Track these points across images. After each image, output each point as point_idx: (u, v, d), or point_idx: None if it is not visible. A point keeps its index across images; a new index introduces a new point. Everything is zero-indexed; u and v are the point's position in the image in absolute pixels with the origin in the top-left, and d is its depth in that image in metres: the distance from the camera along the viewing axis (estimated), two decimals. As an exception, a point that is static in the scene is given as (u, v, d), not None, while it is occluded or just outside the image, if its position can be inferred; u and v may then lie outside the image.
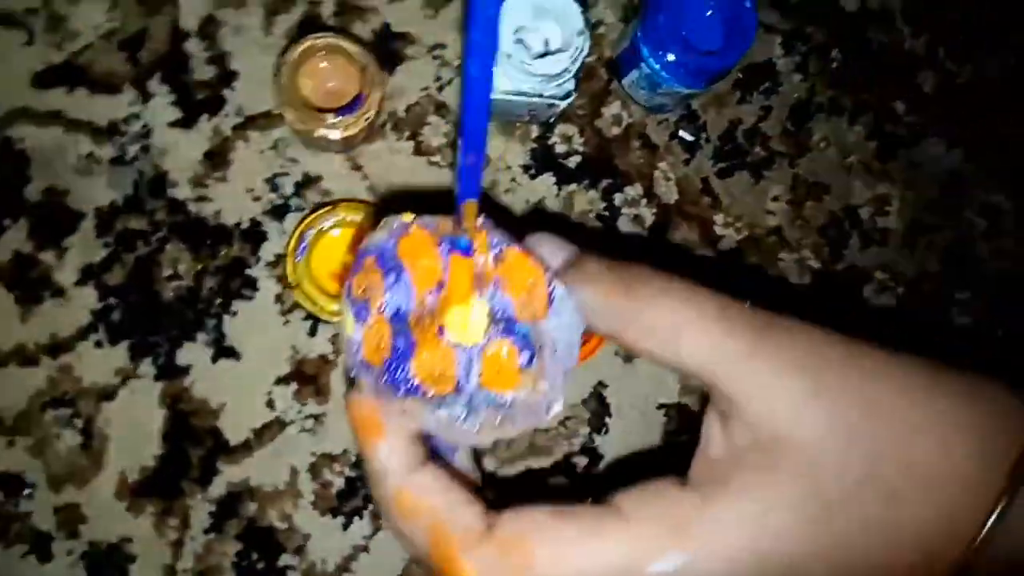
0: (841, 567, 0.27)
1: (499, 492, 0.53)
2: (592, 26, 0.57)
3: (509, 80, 0.49)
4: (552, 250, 0.32)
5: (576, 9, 0.49)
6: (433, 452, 0.33)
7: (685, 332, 0.28)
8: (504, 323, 0.30)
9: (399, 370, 0.30)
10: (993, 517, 0.26)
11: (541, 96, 0.50)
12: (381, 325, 0.30)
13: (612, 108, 0.57)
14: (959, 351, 0.60)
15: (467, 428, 0.30)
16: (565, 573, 0.27)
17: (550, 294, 0.31)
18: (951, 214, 0.61)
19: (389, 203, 0.55)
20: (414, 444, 0.31)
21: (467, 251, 0.30)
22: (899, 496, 0.27)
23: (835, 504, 0.26)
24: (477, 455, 0.36)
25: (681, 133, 0.58)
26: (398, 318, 0.30)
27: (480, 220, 0.31)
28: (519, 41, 0.48)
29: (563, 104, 0.51)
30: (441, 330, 0.30)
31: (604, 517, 0.28)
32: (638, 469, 0.56)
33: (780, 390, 0.27)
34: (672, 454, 0.58)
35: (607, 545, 0.27)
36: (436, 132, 0.56)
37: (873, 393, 0.27)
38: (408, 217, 0.31)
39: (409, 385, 0.30)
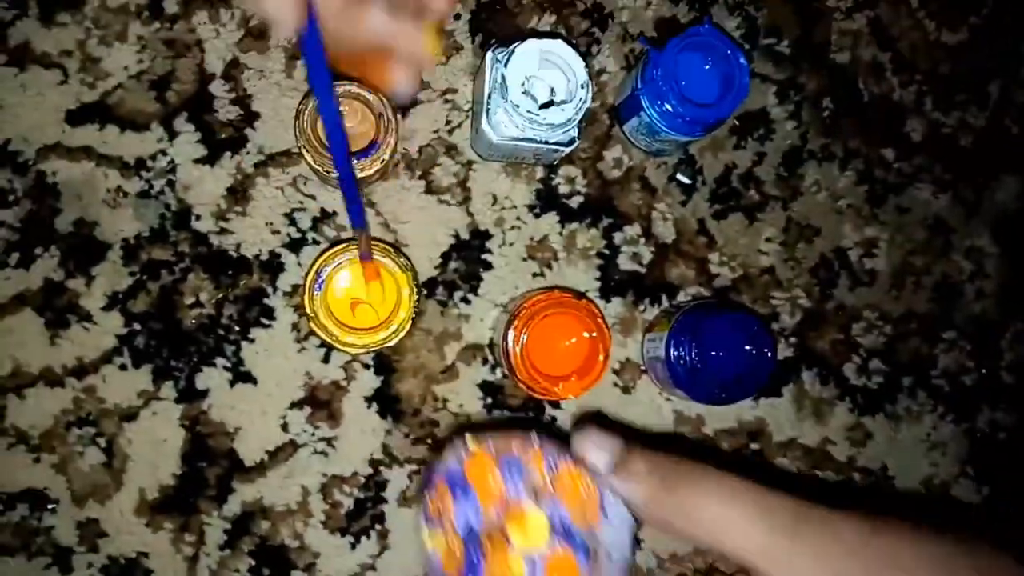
0: None
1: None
2: (596, 73, 0.60)
3: (516, 128, 0.52)
4: (597, 449, 0.36)
5: (580, 63, 0.52)
6: None
7: (729, 530, 0.33)
8: (563, 531, 0.34)
9: None
10: None
11: (546, 143, 0.53)
12: (454, 539, 0.35)
13: (614, 151, 0.60)
14: (942, 391, 0.63)
15: None
16: None
17: (601, 502, 0.35)
18: (938, 257, 0.64)
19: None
20: None
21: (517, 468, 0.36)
22: None
23: None
24: None
25: (679, 176, 0.61)
26: (470, 534, 0.35)
27: (536, 441, 0.36)
28: (526, 92, 0.51)
29: (567, 150, 0.54)
30: (508, 540, 0.34)
31: None
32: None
33: None
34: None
35: None
36: (447, 172, 0.59)
37: None
38: (471, 442, 0.36)
39: None
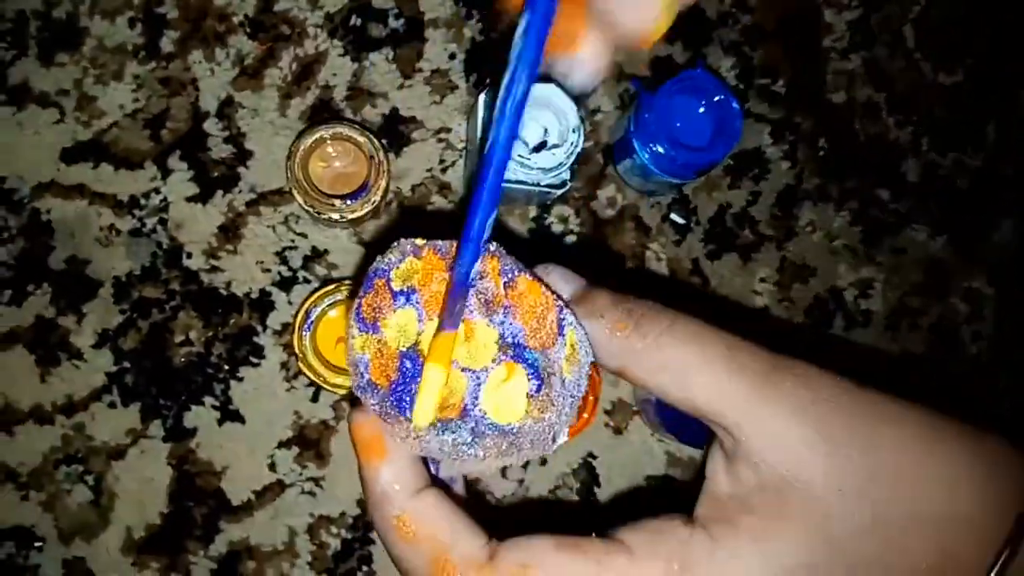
0: None
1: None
2: (590, 112, 0.60)
3: (509, 171, 0.52)
4: (561, 281, 0.32)
5: (572, 107, 0.52)
6: (433, 478, 0.32)
7: (693, 371, 0.28)
8: (513, 349, 0.30)
9: (406, 393, 0.29)
10: (1001, 561, 0.26)
11: (538, 185, 0.52)
12: (387, 345, 0.30)
13: (607, 191, 0.60)
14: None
15: (472, 454, 0.30)
16: None
17: (560, 323, 0.30)
18: (934, 298, 0.63)
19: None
20: (416, 467, 0.30)
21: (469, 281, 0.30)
22: (906, 539, 0.27)
23: (842, 546, 0.27)
24: (469, 485, 0.37)
25: (673, 216, 0.61)
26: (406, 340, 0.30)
27: (493, 246, 0.31)
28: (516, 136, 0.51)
29: (559, 192, 0.53)
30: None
31: (610, 552, 0.28)
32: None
33: (786, 434, 0.27)
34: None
35: None
36: (439, 211, 0.59)
37: (879, 438, 0.27)
38: (420, 241, 0.31)
39: None
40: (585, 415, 0.53)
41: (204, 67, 0.58)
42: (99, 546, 0.56)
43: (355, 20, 0.59)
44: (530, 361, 0.29)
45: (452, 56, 0.59)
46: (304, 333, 0.52)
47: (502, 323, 0.30)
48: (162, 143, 0.57)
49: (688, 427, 0.54)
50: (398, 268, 0.30)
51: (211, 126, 0.57)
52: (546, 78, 0.55)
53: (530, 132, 0.53)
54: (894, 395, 0.29)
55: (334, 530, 0.57)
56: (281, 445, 0.57)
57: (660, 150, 0.53)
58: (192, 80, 0.58)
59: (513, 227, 0.59)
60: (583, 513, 0.58)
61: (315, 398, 0.57)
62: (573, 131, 0.52)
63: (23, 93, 0.57)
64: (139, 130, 0.57)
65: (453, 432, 0.29)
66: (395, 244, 0.31)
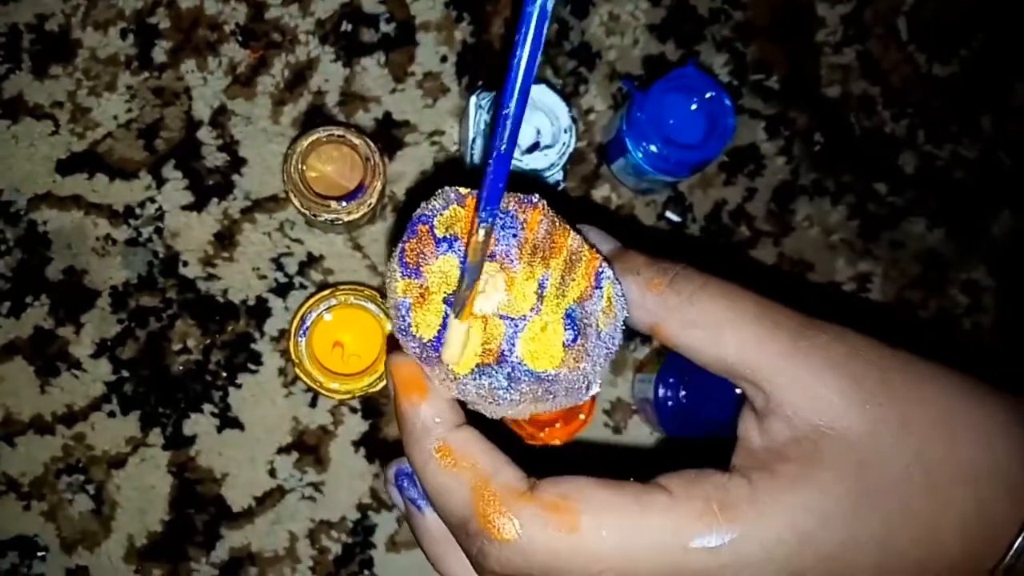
0: (883, 555, 0.27)
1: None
2: (583, 112, 0.60)
3: (499, 172, 0.52)
4: (599, 239, 0.33)
5: (563, 108, 0.52)
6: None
7: (726, 327, 0.29)
8: (551, 299, 0.30)
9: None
10: None
11: (530, 186, 0.53)
12: (431, 292, 0.30)
13: (602, 190, 0.60)
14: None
15: (507, 398, 0.30)
16: (609, 540, 0.27)
17: (598, 275, 0.31)
18: (933, 291, 0.63)
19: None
20: (455, 405, 0.31)
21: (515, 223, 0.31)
22: (941, 489, 0.27)
23: (878, 494, 0.27)
24: None
25: (668, 214, 0.61)
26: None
27: (535, 197, 0.32)
28: (508, 137, 0.51)
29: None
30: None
31: (651, 491, 0.28)
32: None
33: (820, 385, 0.27)
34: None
35: (652, 519, 0.27)
36: (433, 214, 0.59)
37: (915, 392, 0.28)
38: (464, 190, 0.32)
39: None
40: (582, 416, 0.53)
41: (197, 76, 0.58)
42: (101, 554, 0.56)
43: (346, 26, 0.59)
44: (567, 311, 0.30)
45: (444, 59, 0.59)
46: (300, 339, 0.52)
47: (542, 273, 0.30)
48: (156, 152, 0.57)
49: (686, 426, 0.53)
50: (441, 215, 0.31)
51: (205, 135, 0.58)
52: (537, 79, 0.55)
53: (522, 133, 0.53)
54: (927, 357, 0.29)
55: (335, 535, 0.57)
56: (280, 451, 0.57)
57: (654, 149, 0.53)
58: (185, 89, 0.58)
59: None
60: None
61: (313, 403, 0.57)
62: (565, 131, 0.52)
63: (17, 106, 0.57)
64: (133, 140, 0.57)
65: (489, 377, 0.30)
66: (439, 191, 0.32)
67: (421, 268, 0.30)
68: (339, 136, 0.53)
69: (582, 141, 0.60)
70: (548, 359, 0.30)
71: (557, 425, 0.52)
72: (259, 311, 0.57)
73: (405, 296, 0.30)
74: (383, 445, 0.57)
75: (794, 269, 0.62)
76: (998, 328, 0.64)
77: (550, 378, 0.30)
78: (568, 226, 0.31)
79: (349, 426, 0.57)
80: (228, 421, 0.57)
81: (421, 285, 0.30)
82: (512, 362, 0.30)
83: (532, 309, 0.30)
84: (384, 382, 0.53)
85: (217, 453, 0.57)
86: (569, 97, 0.59)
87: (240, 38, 0.58)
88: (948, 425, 0.27)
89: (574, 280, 0.31)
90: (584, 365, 0.30)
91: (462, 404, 0.31)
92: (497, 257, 0.30)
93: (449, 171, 0.59)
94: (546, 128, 0.53)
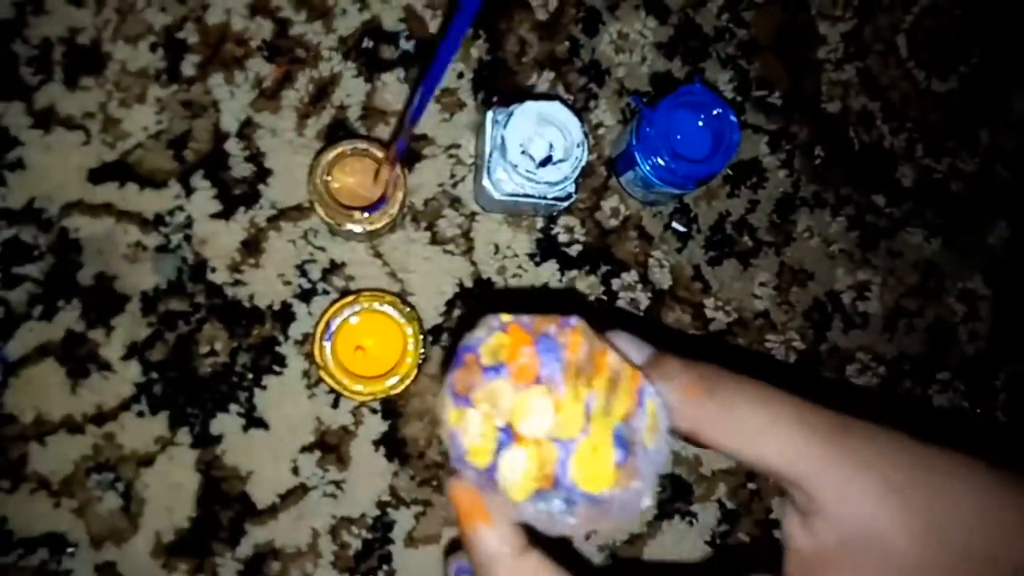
0: None
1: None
2: (593, 127, 0.63)
3: (515, 185, 0.54)
4: (630, 347, 0.34)
5: (576, 123, 0.54)
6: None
7: (766, 434, 0.30)
8: (598, 419, 0.31)
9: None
10: None
11: (544, 198, 0.55)
12: (482, 421, 0.31)
13: (611, 202, 0.63)
14: (938, 430, 0.64)
15: (565, 521, 0.31)
16: None
17: (640, 392, 0.32)
18: (930, 300, 0.66)
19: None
20: (518, 528, 0.31)
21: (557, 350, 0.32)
22: None
23: None
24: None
25: (674, 224, 0.63)
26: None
27: (575, 320, 0.33)
28: (524, 152, 0.54)
29: (564, 204, 0.56)
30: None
31: None
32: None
33: (857, 488, 0.28)
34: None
35: None
36: (451, 223, 0.61)
37: (951, 491, 0.28)
38: (506, 317, 0.33)
39: None
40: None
41: (224, 90, 0.60)
42: (129, 551, 0.58)
43: (367, 43, 0.61)
44: (615, 430, 0.31)
45: (460, 75, 0.62)
46: (325, 343, 0.55)
47: (587, 395, 0.31)
48: (185, 163, 0.60)
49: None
50: (486, 343, 0.32)
51: (232, 146, 0.60)
52: (548, 96, 0.58)
53: (536, 147, 0.55)
54: (953, 448, 0.30)
55: (355, 531, 0.59)
56: (303, 450, 0.59)
57: (661, 162, 0.55)
58: (213, 102, 0.60)
59: (521, 237, 0.62)
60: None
61: (335, 404, 0.59)
62: (578, 146, 0.54)
63: (50, 116, 0.59)
64: (163, 150, 0.60)
65: (547, 501, 0.30)
66: (481, 320, 0.33)
67: (471, 397, 0.32)
68: (363, 149, 0.55)
69: (592, 155, 0.62)
70: (601, 480, 0.31)
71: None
72: (284, 315, 0.59)
73: (458, 425, 0.32)
74: (402, 444, 0.60)
75: (795, 278, 0.64)
76: (994, 336, 0.66)
77: (604, 499, 0.31)
78: (607, 345, 0.33)
79: (369, 426, 0.60)
80: (253, 421, 0.59)
81: (472, 413, 0.31)
82: (567, 485, 0.30)
83: (581, 431, 0.31)
84: (404, 384, 0.55)
85: (242, 452, 0.59)
86: (579, 112, 0.62)
87: (266, 53, 0.60)
88: (983, 519, 0.28)
89: (618, 399, 0.31)
90: (635, 483, 0.31)
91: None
92: (543, 381, 0.31)
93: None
94: (559, 143, 0.56)
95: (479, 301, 0.61)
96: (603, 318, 0.59)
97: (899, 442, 0.29)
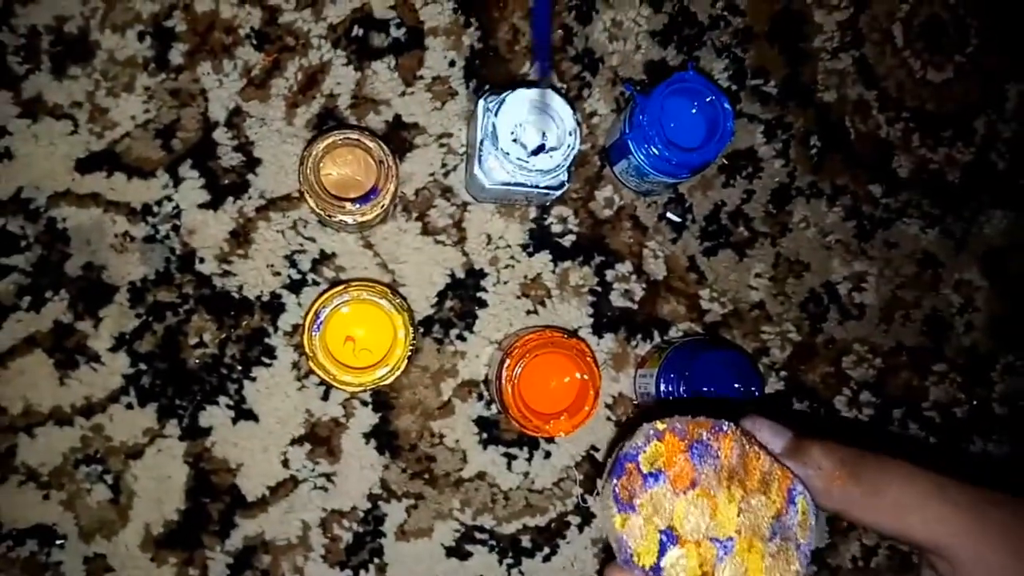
0: None
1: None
2: (587, 116, 0.62)
3: (508, 173, 0.53)
4: (771, 435, 0.38)
5: (568, 111, 0.54)
6: None
7: (911, 511, 0.34)
8: (752, 518, 0.35)
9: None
10: None
11: (537, 187, 0.54)
12: (646, 525, 0.35)
13: (604, 192, 0.62)
14: (934, 423, 0.64)
15: None
16: None
17: (790, 492, 0.36)
18: (927, 291, 0.65)
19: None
20: None
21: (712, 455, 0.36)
22: None
23: None
24: None
25: (669, 215, 0.62)
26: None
27: (726, 425, 0.37)
28: (516, 140, 0.53)
29: (557, 193, 0.55)
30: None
31: None
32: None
33: (997, 558, 0.33)
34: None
35: None
36: (442, 213, 0.60)
37: None
38: (661, 425, 0.36)
39: None
40: (586, 408, 0.54)
41: (212, 78, 0.59)
42: (119, 543, 0.58)
43: (357, 31, 0.60)
44: (769, 529, 0.35)
45: (452, 63, 0.61)
46: (314, 333, 0.54)
47: (740, 496, 0.35)
48: (173, 152, 0.59)
49: None
50: (645, 452, 0.36)
51: (220, 135, 0.59)
52: (542, 83, 0.57)
53: (528, 136, 0.55)
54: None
55: (346, 523, 0.59)
56: (293, 442, 0.59)
57: (655, 151, 0.55)
58: (201, 91, 0.59)
59: (514, 227, 0.61)
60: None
61: (326, 396, 0.59)
62: (570, 134, 0.54)
63: (37, 106, 0.59)
64: (151, 140, 0.59)
65: None
66: (639, 429, 0.37)
67: (634, 502, 0.35)
68: (354, 139, 0.55)
69: (585, 144, 0.62)
70: (757, 575, 0.35)
71: (562, 417, 0.54)
72: (273, 307, 0.59)
73: (623, 530, 0.35)
74: (393, 437, 0.59)
75: (791, 269, 0.63)
76: (990, 327, 0.66)
77: None
78: (758, 448, 0.37)
79: (360, 418, 0.59)
80: (243, 413, 0.58)
81: (637, 518, 0.35)
82: None
83: (737, 530, 0.35)
84: (394, 375, 0.54)
85: (232, 444, 0.58)
86: (573, 101, 0.61)
87: (255, 42, 0.60)
88: None
89: (770, 499, 0.36)
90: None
91: None
92: (700, 484, 0.35)
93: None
94: (552, 131, 0.55)
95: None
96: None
97: None
